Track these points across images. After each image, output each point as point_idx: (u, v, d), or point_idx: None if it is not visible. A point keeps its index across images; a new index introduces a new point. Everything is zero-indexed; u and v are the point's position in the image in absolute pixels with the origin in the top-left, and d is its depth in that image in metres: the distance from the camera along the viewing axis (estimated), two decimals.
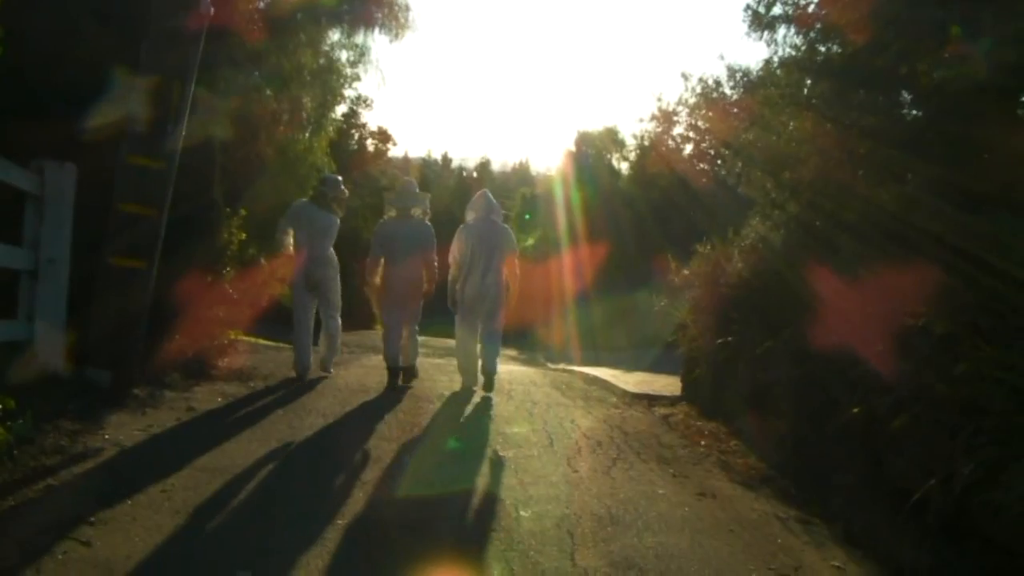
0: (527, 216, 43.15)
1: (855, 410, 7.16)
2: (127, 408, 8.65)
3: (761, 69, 16.18)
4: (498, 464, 8.02)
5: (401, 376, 11.96)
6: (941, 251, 7.13)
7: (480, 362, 11.85)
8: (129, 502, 6.00)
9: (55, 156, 8.69)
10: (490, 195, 12.33)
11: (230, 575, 4.99)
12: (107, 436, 7.60)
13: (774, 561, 6.06)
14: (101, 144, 8.94)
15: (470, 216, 12.01)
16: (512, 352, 26.20)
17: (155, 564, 5.08)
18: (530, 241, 40.47)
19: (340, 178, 12.98)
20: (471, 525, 6.26)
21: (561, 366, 19.59)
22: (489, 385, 11.60)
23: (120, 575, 4.88)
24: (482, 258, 11.60)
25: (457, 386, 12.11)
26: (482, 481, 7.40)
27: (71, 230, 8.78)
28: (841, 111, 9.36)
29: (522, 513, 6.54)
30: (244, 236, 12.75)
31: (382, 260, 11.83)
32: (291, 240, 11.94)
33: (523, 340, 30.61)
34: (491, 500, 6.86)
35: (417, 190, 12.44)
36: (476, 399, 11.31)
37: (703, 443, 9.71)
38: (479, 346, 11.88)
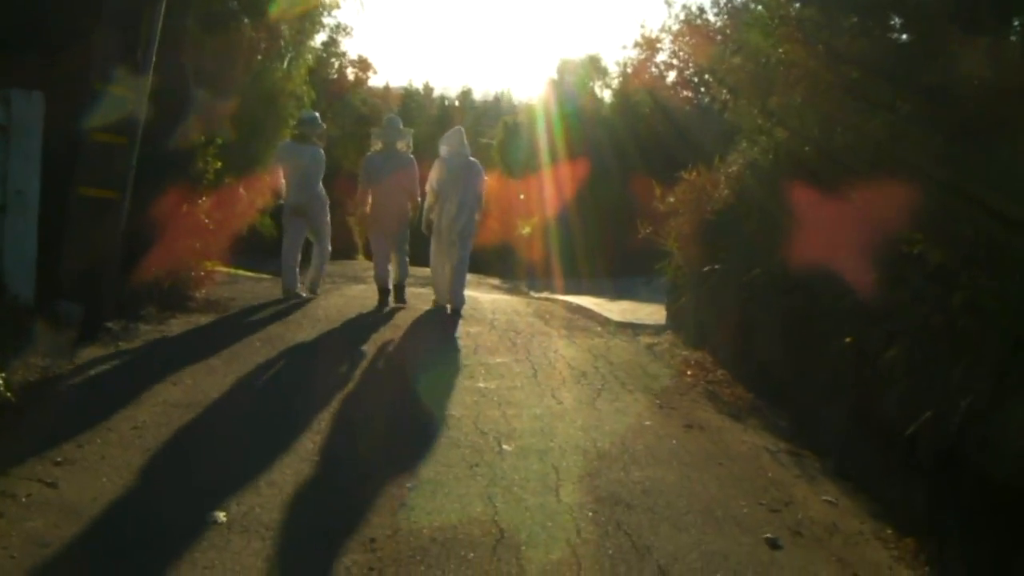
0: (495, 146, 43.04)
1: (847, 340, 7.00)
2: (99, 342, 8.47)
3: None
4: (480, 396, 7.81)
5: (393, 295, 12.81)
6: (934, 181, 6.92)
7: (449, 288, 12.53)
8: (99, 440, 5.84)
9: (23, 85, 8.40)
10: (462, 131, 13.06)
11: (202, 517, 4.80)
12: (77, 372, 7.44)
13: (764, 495, 5.92)
14: (71, 72, 8.68)
15: (443, 150, 12.62)
16: (495, 280, 26.04)
17: (123, 506, 4.91)
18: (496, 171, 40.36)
19: (317, 114, 13.53)
20: (453, 460, 6.06)
21: (544, 295, 19.42)
22: (455, 312, 12.30)
23: (86, 518, 4.70)
24: (456, 189, 12.32)
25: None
26: (463, 413, 7.19)
27: (40, 161, 8.52)
28: (831, 35, 9.12)
29: (505, 447, 6.38)
30: (219, 165, 12.47)
31: (370, 191, 12.55)
32: (283, 180, 12.61)
33: (505, 264, 30.51)
34: (473, 434, 6.66)
35: (401, 126, 13.14)
36: (457, 329, 11.13)
37: (689, 373, 9.57)
38: (449, 271, 12.53)
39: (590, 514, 5.28)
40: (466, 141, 12.96)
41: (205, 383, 7.49)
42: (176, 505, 4.97)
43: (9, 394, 6.37)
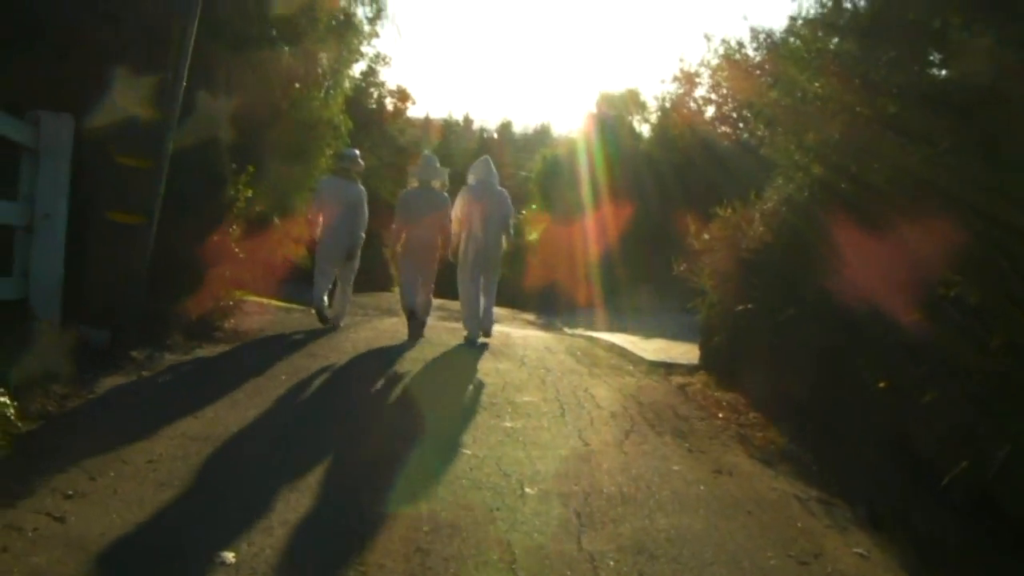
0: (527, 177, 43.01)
1: (881, 384, 6.82)
2: (122, 370, 8.40)
3: (785, 29, 15.81)
4: (505, 435, 7.66)
5: (417, 324, 13.03)
6: (974, 216, 6.75)
7: (477, 316, 13.17)
8: (112, 473, 5.69)
9: (52, 107, 8.36)
10: (490, 160, 13.68)
11: (211, 557, 4.65)
12: (97, 400, 7.34)
13: (793, 546, 5.72)
14: (101, 95, 8.64)
15: (471, 179, 13.36)
16: (529, 316, 25.91)
17: (131, 542, 4.75)
18: (533, 206, 40.34)
19: (357, 151, 14.23)
20: (473, 503, 5.90)
21: (578, 331, 19.27)
22: (485, 334, 13.13)
23: (92, 555, 4.55)
24: (483, 218, 12.98)
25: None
26: (487, 453, 7.03)
27: (68, 184, 8.48)
28: (869, 69, 8.97)
29: (528, 490, 6.20)
30: (251, 193, 12.43)
31: (405, 228, 13.05)
32: (320, 219, 13.27)
33: (547, 303, 30.38)
34: (496, 475, 6.49)
35: (437, 165, 13.52)
36: (485, 365, 10.98)
37: (721, 415, 9.38)
38: (480, 300, 13.23)
39: (611, 563, 5.10)
40: (494, 170, 13.48)
41: (226, 416, 7.37)
42: (185, 543, 4.82)
43: (20, 424, 6.28)
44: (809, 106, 9.85)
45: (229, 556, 4.67)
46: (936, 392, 6.04)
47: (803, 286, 8.68)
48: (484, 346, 12.76)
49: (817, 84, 9.52)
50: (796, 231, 9.50)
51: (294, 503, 5.52)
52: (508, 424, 8.03)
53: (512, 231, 13.86)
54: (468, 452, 7.00)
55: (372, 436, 7.34)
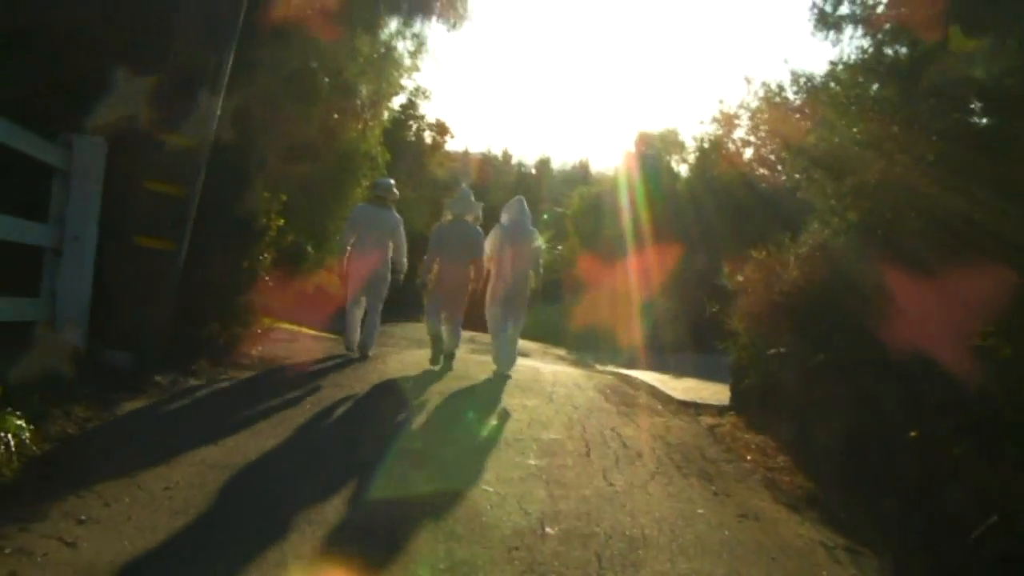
0: (546, 217, 43.13)
1: (912, 434, 6.69)
2: (146, 395, 8.33)
3: (826, 74, 15.72)
4: (528, 473, 7.55)
5: (443, 355, 13.20)
6: (1009, 267, 6.63)
7: (499, 350, 13.31)
8: (127, 499, 5.61)
9: (85, 131, 8.37)
10: (523, 200, 13.90)
11: None
12: (118, 424, 7.27)
13: None
14: (134, 120, 8.65)
15: (504, 218, 13.59)
16: (561, 352, 25.81)
17: (141, 570, 4.67)
18: (559, 247, 40.41)
19: (392, 181, 14.26)
20: (492, 541, 5.79)
21: (609, 368, 19.16)
22: (507, 366, 13.15)
23: None
24: (512, 256, 13.15)
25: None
26: (509, 491, 6.91)
27: (99, 207, 8.48)
28: (908, 115, 8.88)
29: (548, 530, 6.09)
30: (283, 222, 12.41)
31: (437, 259, 13.15)
32: (350, 246, 13.24)
33: (586, 342, 30.26)
34: (516, 513, 6.38)
35: (472, 199, 13.60)
36: (512, 400, 10.90)
37: (749, 458, 9.26)
38: (504, 336, 13.28)
39: None
40: (527, 210, 13.65)
41: (247, 445, 7.28)
42: (197, 574, 4.75)
43: (36, 447, 6.23)
44: (847, 151, 9.78)
45: None
46: (968, 445, 5.92)
47: (836, 332, 8.56)
48: (508, 378, 12.86)
49: (856, 129, 9.44)
50: (830, 276, 9.40)
51: (310, 536, 5.43)
52: (532, 462, 7.92)
53: (541, 270, 13.95)
54: (490, 489, 6.89)
55: (393, 470, 7.23)
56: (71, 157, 8.30)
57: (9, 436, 5.88)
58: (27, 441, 6.03)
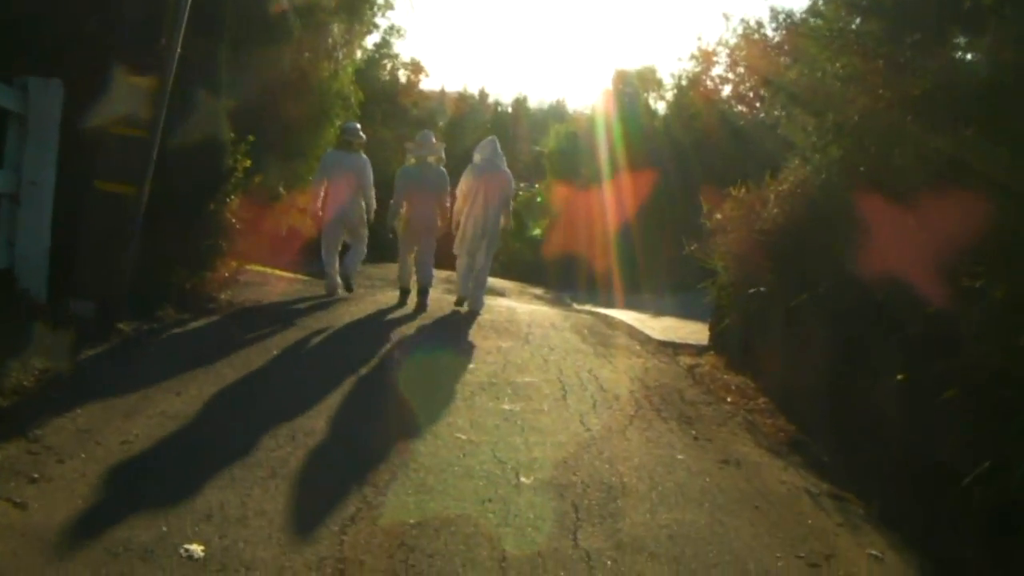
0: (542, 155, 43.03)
1: (899, 377, 6.51)
2: (108, 344, 8.05)
3: (807, 9, 15.46)
4: (503, 419, 7.35)
5: (416, 300, 13.33)
6: (1000, 203, 6.42)
7: (468, 288, 13.65)
8: (83, 455, 5.37)
9: (41, 73, 8.05)
10: (495, 140, 14.03)
11: (176, 550, 4.34)
12: (77, 375, 6.99)
13: (803, 546, 5.40)
14: (92, 61, 8.34)
15: (477, 158, 13.69)
16: (537, 290, 25.64)
17: (94, 532, 4.42)
18: (539, 199, 40.37)
19: (358, 125, 14.37)
20: (464, 493, 5.58)
21: (587, 307, 18.99)
22: (472, 313, 13.27)
23: (50, 546, 4.23)
24: (484, 196, 13.30)
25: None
26: (483, 439, 6.72)
27: (57, 152, 8.18)
28: (893, 50, 8.65)
29: (523, 480, 5.89)
30: (249, 163, 12.09)
31: (404, 202, 13.36)
32: (323, 190, 13.51)
33: (564, 276, 30.28)
34: (490, 462, 6.18)
35: (433, 140, 13.90)
36: (487, 342, 10.72)
37: (729, 400, 9.09)
38: (472, 277, 13.67)
39: (608, 563, 4.79)
40: (500, 151, 13.84)
41: (210, 393, 7.06)
42: (152, 534, 4.49)
43: None
44: (829, 86, 9.56)
45: (198, 549, 4.37)
46: (958, 390, 5.74)
47: (818, 271, 8.37)
48: (477, 315, 13.11)
49: (839, 64, 9.22)
50: (812, 214, 9.19)
51: (272, 491, 5.21)
52: (507, 407, 7.73)
53: (510, 209, 14.35)
54: (463, 437, 6.69)
55: (361, 418, 7.03)
56: (27, 101, 7.98)
57: None
58: None
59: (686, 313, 15.90)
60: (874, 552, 5.50)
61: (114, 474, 5.18)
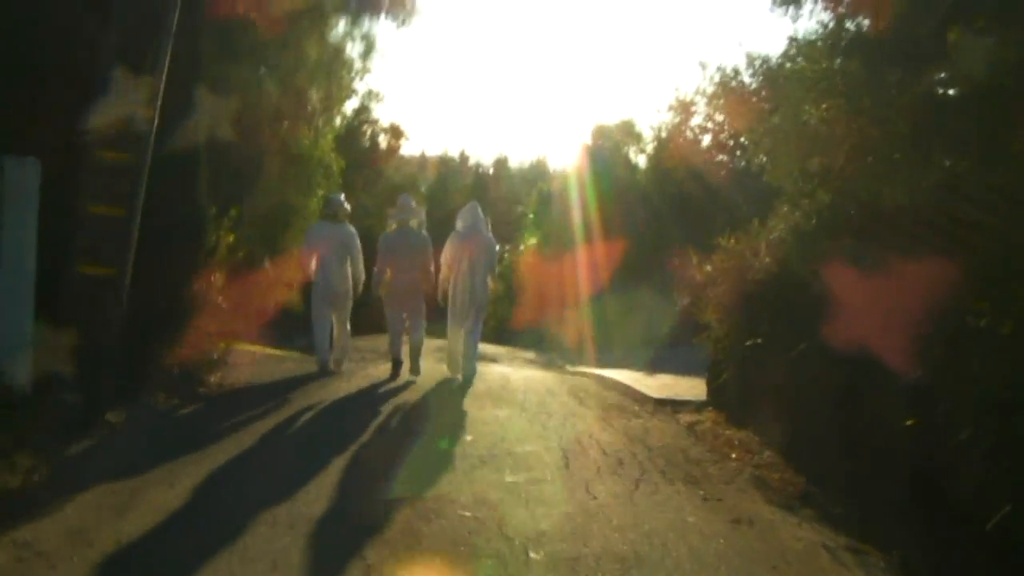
0: (531, 216, 42.92)
1: (908, 422, 6.34)
2: (97, 435, 7.89)
3: (782, 54, 15.46)
4: (506, 492, 7.14)
5: (408, 367, 13.40)
6: (995, 242, 6.31)
7: (461, 358, 13.42)
8: (75, 559, 5.19)
9: (16, 151, 7.90)
10: (478, 206, 13.96)
11: None
12: (65, 472, 6.82)
13: None
14: (68, 138, 8.22)
15: (459, 224, 13.62)
16: (529, 354, 25.49)
17: None
18: (532, 240, 40.20)
19: (342, 196, 14.24)
20: (474, 574, 5.38)
21: (580, 369, 18.82)
22: (466, 382, 13.02)
23: None
24: (469, 263, 13.25)
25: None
26: (487, 514, 6.51)
27: (35, 234, 8.00)
28: (875, 90, 8.58)
29: (532, 555, 5.69)
30: (232, 238, 11.99)
31: (387, 269, 13.26)
32: (314, 264, 13.31)
33: (538, 340, 30.21)
34: (497, 539, 5.98)
35: (413, 204, 14.08)
36: (484, 413, 10.52)
37: (734, 456, 8.90)
38: (463, 344, 13.44)
39: None
40: (481, 215, 13.73)
41: (204, 482, 6.88)
42: None
43: None
44: (814, 130, 9.46)
45: None
46: (971, 430, 5.58)
47: (815, 319, 8.22)
48: (470, 384, 12.89)
49: (824, 107, 9.13)
50: (804, 261, 9.05)
51: None
52: (509, 479, 7.54)
53: (497, 273, 14.73)
54: (467, 514, 6.49)
55: (362, 497, 6.84)
56: (3, 181, 7.81)
57: None
58: None
59: (680, 369, 15.73)
60: None
61: None
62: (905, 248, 7.18)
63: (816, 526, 6.77)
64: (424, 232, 13.85)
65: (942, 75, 8.53)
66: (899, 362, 6.68)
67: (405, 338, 13.56)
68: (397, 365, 13.44)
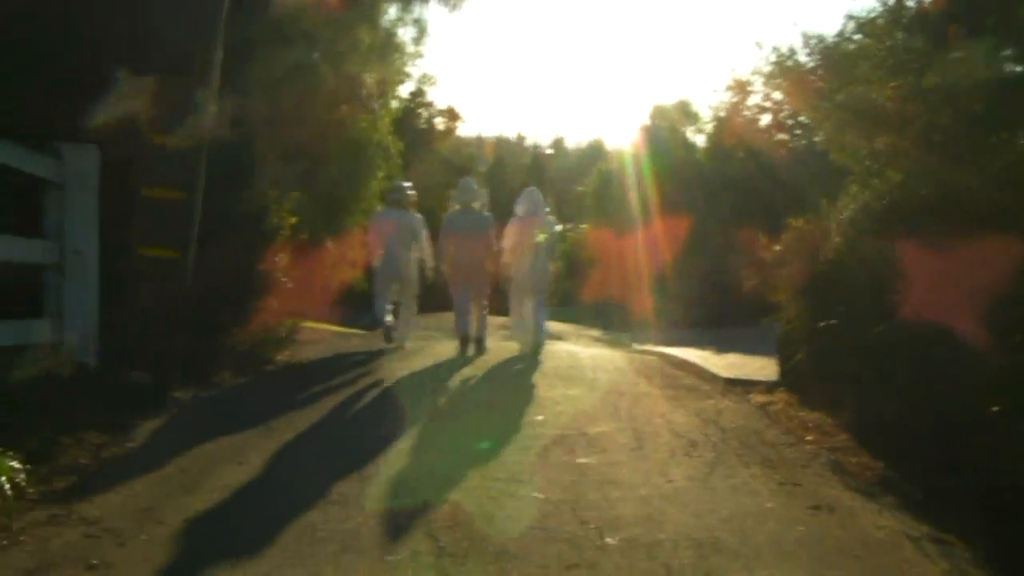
0: (590, 196, 42.89)
1: (994, 408, 6.14)
2: (164, 414, 7.84)
3: (839, 33, 15.24)
4: (579, 474, 6.99)
5: (474, 346, 13.65)
6: None
7: (531, 332, 14.02)
8: (144, 536, 5.09)
9: (76, 138, 7.90)
10: (536, 191, 14.61)
11: None
12: (134, 450, 6.79)
13: None
14: (128, 124, 8.18)
15: (519, 210, 14.16)
16: (595, 332, 25.35)
17: None
18: (592, 220, 40.17)
19: (407, 183, 14.96)
20: (548, 559, 5.22)
21: (646, 347, 18.65)
22: (534, 359, 13.24)
23: None
24: (530, 246, 13.83)
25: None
26: (561, 497, 6.36)
27: (98, 219, 7.99)
28: (943, 68, 8.34)
29: (608, 540, 5.53)
30: (295, 220, 11.98)
31: (450, 247, 13.85)
32: (381, 249, 13.99)
33: (603, 318, 30.14)
34: (572, 523, 5.83)
35: (475, 187, 14.46)
36: (554, 392, 10.36)
37: (809, 438, 8.69)
38: (530, 318, 14.13)
39: None
40: (540, 199, 14.41)
41: (272, 460, 6.83)
42: None
43: (54, 479, 5.75)
44: (881, 108, 9.23)
45: None
46: None
47: (892, 301, 8.01)
48: (539, 362, 13.03)
49: (892, 85, 8.89)
50: (876, 242, 8.84)
51: (344, 568, 4.88)
52: (582, 460, 7.38)
53: (557, 256, 15.29)
54: (540, 496, 6.35)
55: (432, 479, 6.69)
56: (63, 168, 7.82)
57: (3, 480, 5.34)
58: (21, 484, 5.46)
59: (748, 347, 15.52)
60: None
61: (177, 556, 4.88)
62: (984, 227, 6.97)
63: (897, 514, 6.55)
64: (487, 213, 14.29)
65: (1009, 51, 8.31)
66: (983, 344, 6.49)
67: (471, 317, 13.65)
68: (464, 342, 13.51)
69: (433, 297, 16.13)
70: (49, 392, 7.00)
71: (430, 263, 14.29)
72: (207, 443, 7.15)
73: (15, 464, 5.51)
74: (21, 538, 4.87)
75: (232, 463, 6.62)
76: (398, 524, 5.64)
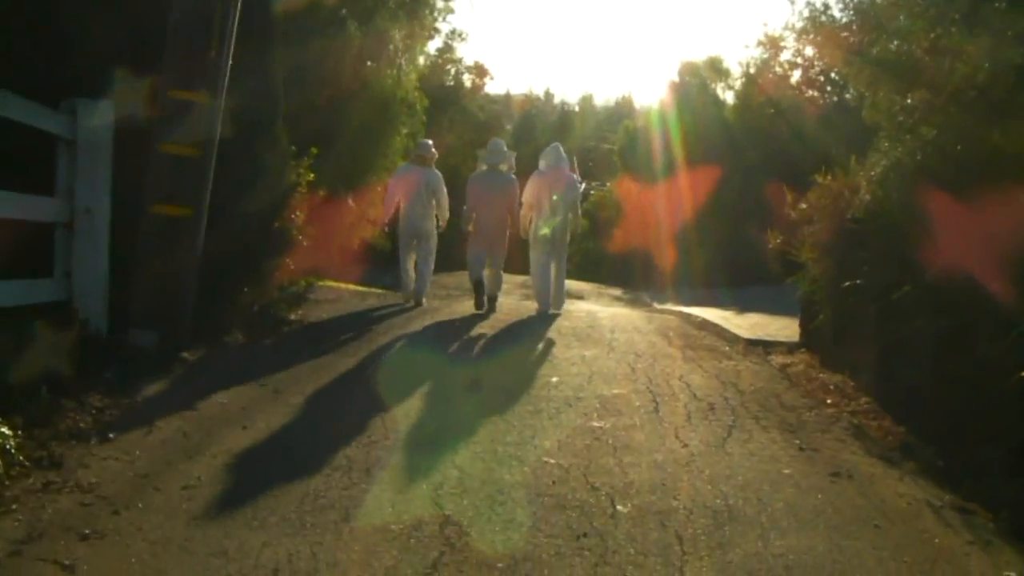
0: (617, 153, 42.77)
1: (1022, 374, 5.95)
2: (171, 375, 7.70)
3: None
4: (593, 438, 6.84)
5: (486, 301, 13.55)
6: None
7: (550, 291, 13.92)
8: (140, 504, 4.95)
9: (89, 94, 7.73)
10: (560, 147, 14.38)
11: None
12: (137, 412, 6.60)
13: (934, 571, 4.84)
14: (142, 79, 8.04)
15: (542, 164, 14.05)
16: (615, 291, 25.17)
17: None
18: (618, 177, 40.05)
19: (430, 141, 14.65)
20: (557, 527, 5.08)
21: (667, 307, 18.48)
22: (552, 318, 13.22)
23: None
24: (551, 203, 13.58)
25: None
26: (573, 462, 6.21)
27: (110, 176, 7.84)
28: (984, 19, 8.09)
29: (619, 508, 5.38)
30: (312, 176, 11.78)
31: (476, 207, 13.78)
32: (396, 203, 13.94)
33: (625, 277, 30.05)
34: (583, 490, 5.68)
35: (504, 148, 14.43)
36: (570, 352, 10.20)
37: (830, 401, 8.53)
38: (550, 278, 13.94)
39: None
40: (564, 155, 14.22)
41: (278, 424, 6.70)
42: None
43: (53, 444, 5.61)
44: (918, 61, 8.98)
45: None
46: None
47: (920, 260, 7.80)
48: (556, 315, 13.40)
49: (932, 36, 8.64)
50: (907, 199, 8.61)
51: (346, 538, 4.74)
52: (596, 424, 7.22)
53: (580, 213, 14.77)
54: (551, 461, 6.20)
55: (439, 444, 6.53)
56: (75, 125, 7.66)
57: None
58: (12, 450, 5.31)
59: (770, 307, 15.34)
60: (1010, 574, 4.93)
61: (173, 526, 4.74)
62: (1021, 186, 6.76)
63: (919, 481, 6.38)
64: (513, 175, 14.17)
65: None
66: (1015, 307, 6.29)
67: (483, 267, 13.69)
68: (479, 287, 13.52)
69: (450, 256, 15.91)
70: (54, 353, 6.86)
71: (446, 216, 14.33)
72: (212, 406, 7.02)
73: (4, 430, 5.34)
74: (13, 507, 4.72)
75: (236, 427, 6.49)
76: (403, 491, 5.50)
